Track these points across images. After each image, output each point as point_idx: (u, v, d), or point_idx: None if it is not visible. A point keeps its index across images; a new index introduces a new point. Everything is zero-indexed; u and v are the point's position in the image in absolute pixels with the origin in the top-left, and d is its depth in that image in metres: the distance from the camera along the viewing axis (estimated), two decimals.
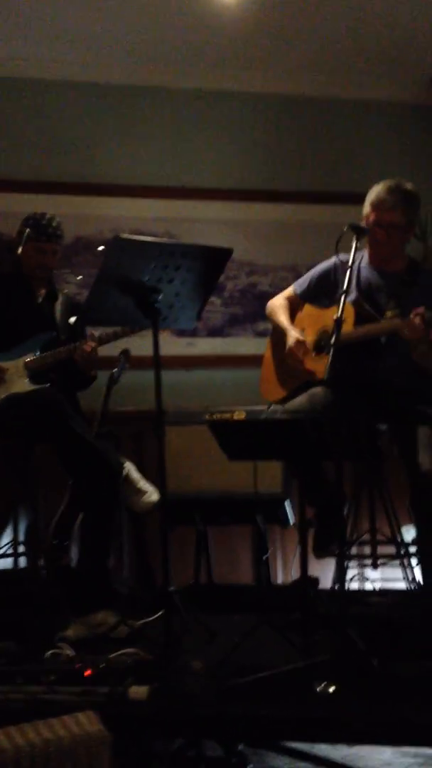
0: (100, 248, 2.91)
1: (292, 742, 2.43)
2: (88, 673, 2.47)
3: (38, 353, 3.40)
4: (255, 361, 4.62)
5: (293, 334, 3.26)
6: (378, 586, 3.64)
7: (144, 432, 4.40)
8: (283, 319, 3.38)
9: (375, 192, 3.14)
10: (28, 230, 3.32)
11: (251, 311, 4.82)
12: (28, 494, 3.72)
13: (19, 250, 3.24)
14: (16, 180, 4.55)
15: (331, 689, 2.40)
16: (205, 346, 4.77)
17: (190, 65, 4.75)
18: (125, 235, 2.76)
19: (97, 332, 3.42)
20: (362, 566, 3.41)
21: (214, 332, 4.78)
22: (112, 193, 4.65)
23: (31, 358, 3.39)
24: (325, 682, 2.41)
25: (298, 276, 3.60)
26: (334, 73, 4.89)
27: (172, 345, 4.60)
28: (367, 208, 3.15)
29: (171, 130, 4.83)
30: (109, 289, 2.79)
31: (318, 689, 2.41)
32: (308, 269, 3.60)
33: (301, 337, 3.25)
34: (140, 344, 4.13)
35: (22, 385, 3.33)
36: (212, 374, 4.73)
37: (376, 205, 3.10)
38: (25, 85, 4.65)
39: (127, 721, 2.29)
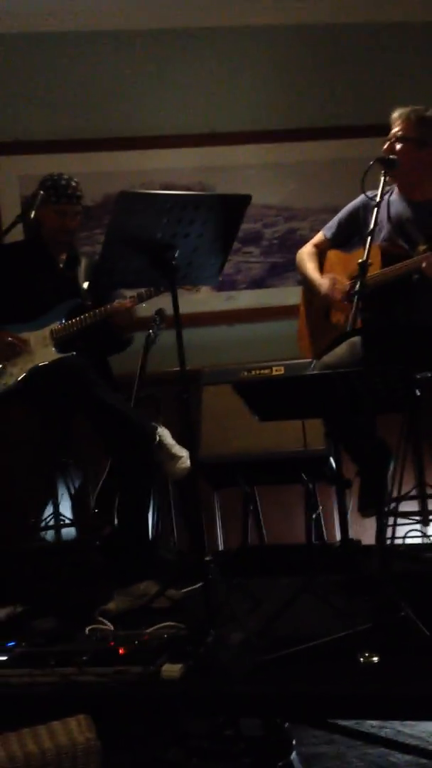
0: None
1: (333, 720, 2.30)
2: (122, 651, 2.40)
3: (63, 321, 3.29)
4: (298, 311, 4.46)
5: (323, 281, 3.08)
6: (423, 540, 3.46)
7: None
8: (310, 268, 3.24)
9: (398, 111, 3.08)
10: (42, 193, 3.18)
11: (292, 259, 4.55)
12: (69, 465, 3.67)
13: (32, 213, 3.09)
14: (38, 141, 4.40)
15: (375, 659, 2.26)
16: (246, 299, 4.58)
17: (212, 2, 4.47)
18: (130, 190, 2.58)
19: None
20: (414, 522, 3.22)
21: (255, 284, 4.58)
22: (139, 146, 4.44)
23: (57, 326, 3.29)
24: (368, 653, 2.28)
25: None
26: None
27: (211, 300, 4.46)
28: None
29: (196, 74, 4.56)
30: (120, 249, 2.64)
31: (361, 660, 2.28)
32: None
33: (332, 277, 3.08)
34: (192, 301, 4.03)
35: (49, 354, 3.25)
36: (255, 328, 4.54)
37: (394, 120, 3.06)
38: (44, 39, 4.45)
39: (160, 701, 2.22)
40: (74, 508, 3.72)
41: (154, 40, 4.55)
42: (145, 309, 3.59)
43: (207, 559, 2.67)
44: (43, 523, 3.55)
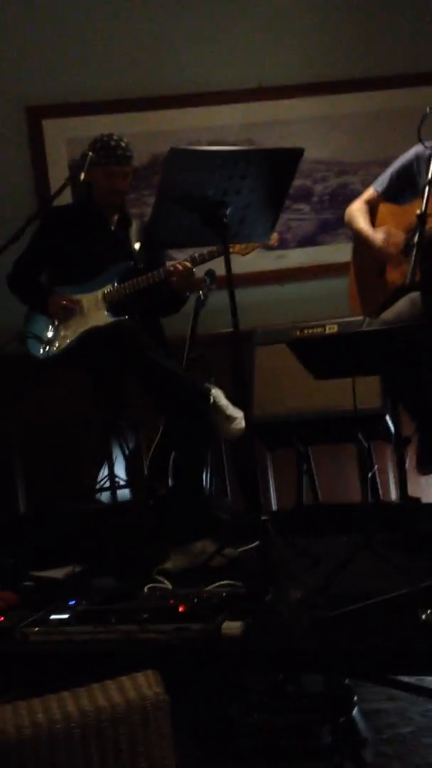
0: None
1: (397, 676, 2.29)
2: (181, 609, 2.42)
3: (116, 284, 3.29)
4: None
5: (379, 236, 3.02)
6: None
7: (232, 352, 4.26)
8: (362, 223, 3.17)
9: None
10: (91, 154, 3.16)
11: (343, 215, 4.49)
12: (123, 427, 3.69)
13: (82, 176, 3.08)
14: (84, 102, 4.36)
15: None
16: (296, 257, 4.51)
17: None
18: (180, 147, 2.54)
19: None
20: None
21: (305, 242, 4.51)
22: (186, 104, 4.38)
23: (109, 289, 3.29)
24: (430, 610, 2.26)
25: None
26: None
27: (261, 259, 4.38)
28: None
29: (240, 28, 4.45)
30: (171, 207, 2.61)
31: (423, 617, 2.26)
32: None
33: (386, 229, 3.01)
34: (236, 263, 3.98)
35: (102, 317, 3.26)
36: (306, 286, 4.48)
37: None
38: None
39: (221, 658, 2.24)
40: (128, 470, 3.75)
41: None
42: (196, 270, 3.56)
43: (264, 518, 2.65)
44: (99, 485, 3.58)
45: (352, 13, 4.53)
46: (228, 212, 2.64)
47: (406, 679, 2.30)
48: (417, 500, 2.88)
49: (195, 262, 3.25)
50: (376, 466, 3.65)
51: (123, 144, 3.31)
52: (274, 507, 4.19)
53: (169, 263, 3.33)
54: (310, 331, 3.59)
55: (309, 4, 4.52)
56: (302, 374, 3.49)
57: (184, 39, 4.44)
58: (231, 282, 2.67)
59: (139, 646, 2.28)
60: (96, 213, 3.41)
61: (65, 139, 4.33)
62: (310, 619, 2.29)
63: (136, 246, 3.36)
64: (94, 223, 3.41)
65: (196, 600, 2.46)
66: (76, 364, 3.33)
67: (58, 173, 4.30)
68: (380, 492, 3.74)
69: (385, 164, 4.52)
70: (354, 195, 4.48)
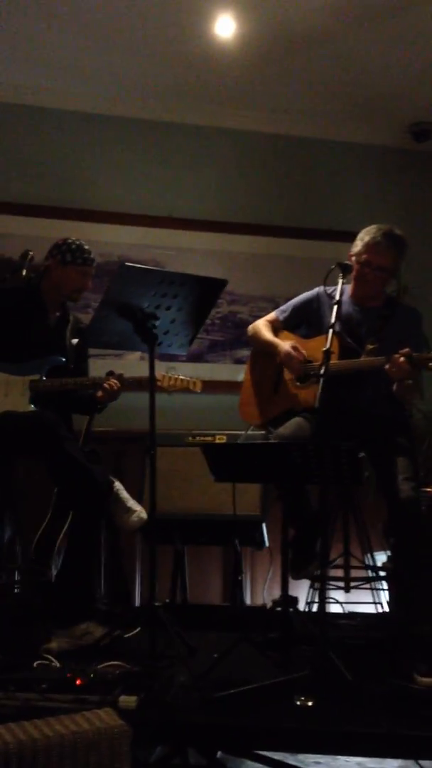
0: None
1: (271, 752, 2.54)
2: (79, 682, 2.56)
3: (44, 375, 3.44)
4: (233, 386, 4.77)
5: (285, 344, 3.33)
6: (342, 609, 3.78)
7: (124, 452, 4.52)
8: (268, 335, 3.46)
9: (370, 234, 3.25)
10: (60, 256, 3.44)
11: (231, 338, 4.99)
12: (10, 508, 3.78)
13: (23, 273, 3.32)
14: (11, 203, 4.68)
15: (310, 703, 2.53)
16: (185, 370, 4.80)
17: (184, 102, 4.97)
18: (131, 264, 2.88)
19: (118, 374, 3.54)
20: (336, 589, 3.54)
21: (195, 358, 4.93)
22: (104, 220, 4.81)
23: (37, 378, 3.42)
24: (303, 696, 2.54)
25: (276, 306, 3.70)
26: (320, 116, 5.13)
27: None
28: (359, 247, 3.27)
29: (162, 162, 5.02)
30: (110, 313, 2.92)
31: (297, 702, 2.54)
32: (285, 300, 3.70)
33: (292, 343, 3.34)
34: (121, 366, 4.28)
35: (22, 403, 3.38)
36: (192, 398, 4.80)
37: (371, 247, 3.23)
38: (27, 112, 4.82)
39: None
40: (7, 552, 3.82)
41: (126, 126, 5.00)
42: (97, 370, 3.83)
43: (157, 604, 2.87)
44: None
45: (257, 167, 5.21)
46: (157, 323, 2.98)
47: (276, 755, 2.54)
48: (295, 599, 3.18)
49: (124, 383, 3.48)
50: (243, 572, 3.94)
51: (87, 247, 3.55)
52: (137, 601, 4.36)
53: (101, 377, 3.51)
54: (202, 438, 3.92)
55: (223, 155, 5.16)
56: (188, 477, 3.85)
57: (108, 162, 4.95)
58: (153, 385, 2.98)
59: (40, 714, 2.39)
60: (39, 302, 3.55)
61: None
62: (199, 698, 2.51)
63: (73, 341, 3.57)
64: (35, 312, 3.54)
65: (92, 675, 2.61)
66: None
67: None
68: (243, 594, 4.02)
69: (271, 301, 5.11)
70: (242, 323, 5.03)
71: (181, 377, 3.58)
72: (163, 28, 4.23)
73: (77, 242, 3.52)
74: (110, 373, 3.91)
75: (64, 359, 3.50)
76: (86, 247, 3.52)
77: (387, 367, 2.98)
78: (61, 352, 3.49)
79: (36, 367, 3.44)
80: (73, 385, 3.46)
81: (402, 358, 2.93)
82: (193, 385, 3.59)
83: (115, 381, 3.47)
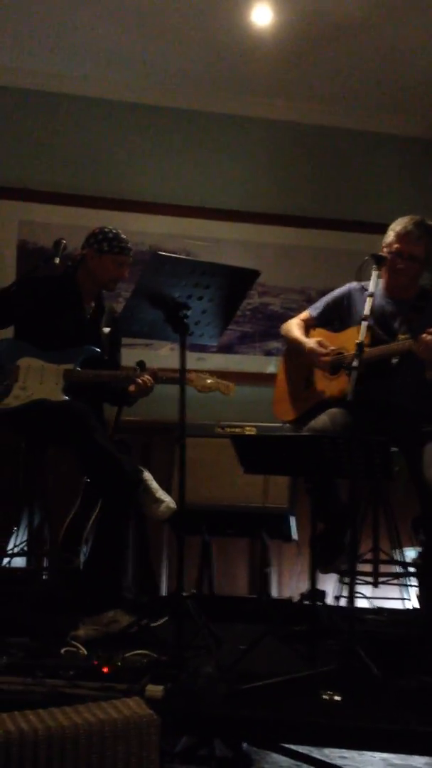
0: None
1: (297, 746, 2.53)
2: (106, 669, 2.57)
3: (78, 365, 3.44)
4: (262, 378, 4.79)
5: (310, 342, 3.38)
6: (370, 604, 3.76)
7: (152, 442, 4.52)
8: (298, 333, 3.50)
9: (402, 224, 3.26)
10: (96, 245, 3.43)
11: (261, 330, 4.96)
12: (40, 495, 3.81)
13: (56, 260, 3.31)
14: (36, 190, 4.71)
15: (337, 698, 2.51)
16: (215, 361, 4.89)
17: (217, 91, 4.94)
18: (163, 253, 2.87)
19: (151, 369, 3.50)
20: (364, 583, 3.52)
21: (225, 349, 4.91)
22: (135, 209, 4.79)
23: (72, 368, 3.42)
24: (330, 691, 2.53)
25: (308, 298, 3.73)
26: (355, 106, 5.07)
27: None
28: (390, 237, 3.27)
29: (194, 151, 5.00)
30: (143, 302, 2.92)
31: (324, 697, 2.52)
32: (316, 292, 3.72)
33: (317, 339, 3.36)
34: (150, 356, 4.27)
35: (56, 393, 3.38)
36: None
37: (402, 236, 3.24)
38: (59, 100, 4.82)
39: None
40: (37, 538, 3.85)
41: (159, 115, 4.97)
42: (126, 359, 3.84)
43: (184, 594, 2.87)
44: (10, 551, 3.67)
45: (289, 157, 5.16)
46: (188, 313, 2.97)
47: (301, 749, 2.53)
48: (323, 593, 3.17)
49: (158, 380, 3.46)
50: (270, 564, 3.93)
51: (124, 235, 3.55)
52: (164, 591, 4.37)
53: (135, 372, 3.50)
54: (231, 429, 3.91)
55: (254, 145, 5.11)
56: (217, 468, 3.84)
57: (140, 151, 4.93)
58: (183, 375, 2.97)
59: (68, 701, 2.39)
60: (75, 292, 3.55)
61: (18, 220, 4.59)
62: (225, 689, 2.51)
63: (106, 330, 3.57)
64: (71, 301, 3.55)
65: (119, 663, 2.62)
66: (12, 424, 3.41)
67: (5, 250, 4.55)
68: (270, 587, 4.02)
69: (302, 293, 5.07)
70: (273, 315, 5.00)
71: (213, 380, 3.51)
72: (198, 16, 4.20)
73: (114, 231, 3.50)
74: (140, 363, 3.92)
75: (98, 350, 3.50)
76: (123, 236, 3.50)
77: (416, 347, 2.96)
78: (96, 342, 3.50)
79: (71, 356, 3.44)
80: (107, 378, 3.45)
81: (429, 336, 2.91)
82: (225, 388, 3.51)
83: (149, 377, 3.45)
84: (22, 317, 3.50)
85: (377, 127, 5.22)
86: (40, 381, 3.38)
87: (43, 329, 3.43)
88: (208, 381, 3.49)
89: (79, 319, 3.50)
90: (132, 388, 3.47)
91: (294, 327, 3.54)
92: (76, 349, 3.47)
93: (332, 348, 3.30)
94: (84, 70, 4.73)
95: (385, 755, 2.91)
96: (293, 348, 3.55)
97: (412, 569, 3.50)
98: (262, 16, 4.19)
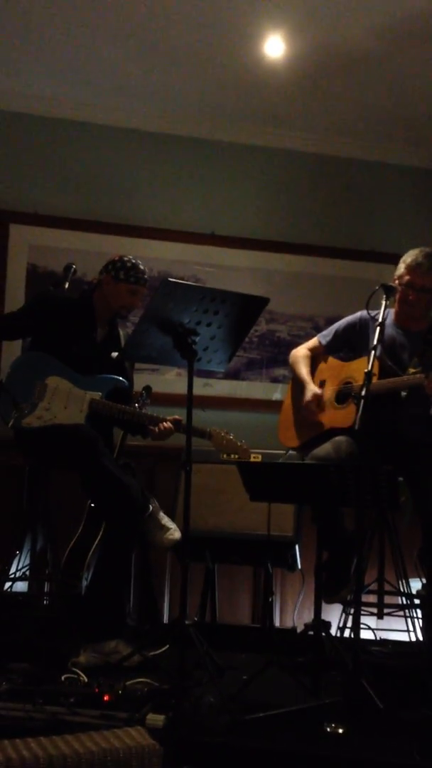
0: None
1: None
2: (107, 698, 2.54)
3: (105, 395, 3.40)
4: (268, 405, 4.79)
5: (311, 389, 3.41)
6: (373, 635, 3.72)
7: (156, 467, 4.51)
8: (303, 371, 3.51)
9: (412, 256, 3.27)
10: (114, 272, 3.42)
11: (268, 357, 4.97)
12: (43, 519, 3.78)
13: (65, 285, 3.33)
14: (48, 215, 4.74)
15: (341, 730, 2.48)
16: (221, 387, 4.89)
17: (229, 120, 4.98)
18: (173, 279, 2.88)
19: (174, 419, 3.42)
20: (368, 615, 3.48)
21: (231, 375, 4.91)
22: (146, 235, 4.82)
23: (99, 397, 3.38)
24: (334, 723, 2.50)
25: (315, 326, 3.73)
26: (365, 137, 5.11)
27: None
28: (401, 269, 3.29)
29: (205, 180, 5.04)
30: (151, 327, 2.93)
31: (328, 729, 2.49)
32: (324, 320, 3.73)
33: (318, 392, 3.39)
34: (160, 381, 4.28)
35: (77, 419, 3.32)
36: (226, 415, 4.82)
37: (413, 268, 3.25)
38: (73, 127, 4.87)
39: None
40: (40, 563, 3.82)
41: (171, 143, 5.01)
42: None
43: (187, 622, 2.85)
44: (12, 575, 3.64)
45: (299, 186, 5.19)
46: (197, 339, 2.97)
47: None
48: (328, 623, 3.14)
49: (178, 428, 3.39)
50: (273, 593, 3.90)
51: (142, 267, 3.53)
52: (166, 618, 4.33)
53: (158, 417, 3.40)
54: (235, 456, 3.88)
55: (260, 173, 5.14)
56: (222, 494, 3.82)
57: (151, 179, 4.98)
58: (191, 401, 2.97)
59: (67, 729, 2.37)
60: (90, 316, 3.52)
61: (28, 245, 4.62)
62: (228, 720, 2.48)
63: (113, 355, 3.54)
64: (85, 324, 3.51)
65: (120, 691, 2.59)
66: (25, 444, 3.38)
67: (15, 274, 4.58)
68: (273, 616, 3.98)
69: (310, 320, 5.08)
70: (280, 342, 5.00)
71: (237, 442, 3.45)
72: (212, 47, 4.25)
73: (133, 261, 3.49)
74: (146, 388, 3.94)
75: (127, 383, 3.49)
76: (142, 267, 3.48)
77: (426, 382, 2.96)
78: (104, 366, 3.48)
79: (100, 385, 3.41)
80: (131, 415, 3.40)
81: None
82: (243, 453, 3.42)
83: (170, 425, 3.38)
84: (37, 330, 3.48)
85: (387, 157, 5.25)
86: (65, 405, 3.32)
87: (56, 347, 3.41)
88: (230, 443, 3.43)
89: (91, 342, 3.49)
90: (153, 428, 3.39)
91: (300, 362, 3.55)
92: (107, 379, 3.44)
93: (331, 393, 3.33)
94: (97, 99, 4.79)
95: None
96: (298, 380, 3.56)
97: (417, 601, 3.46)
98: (274, 48, 4.24)
